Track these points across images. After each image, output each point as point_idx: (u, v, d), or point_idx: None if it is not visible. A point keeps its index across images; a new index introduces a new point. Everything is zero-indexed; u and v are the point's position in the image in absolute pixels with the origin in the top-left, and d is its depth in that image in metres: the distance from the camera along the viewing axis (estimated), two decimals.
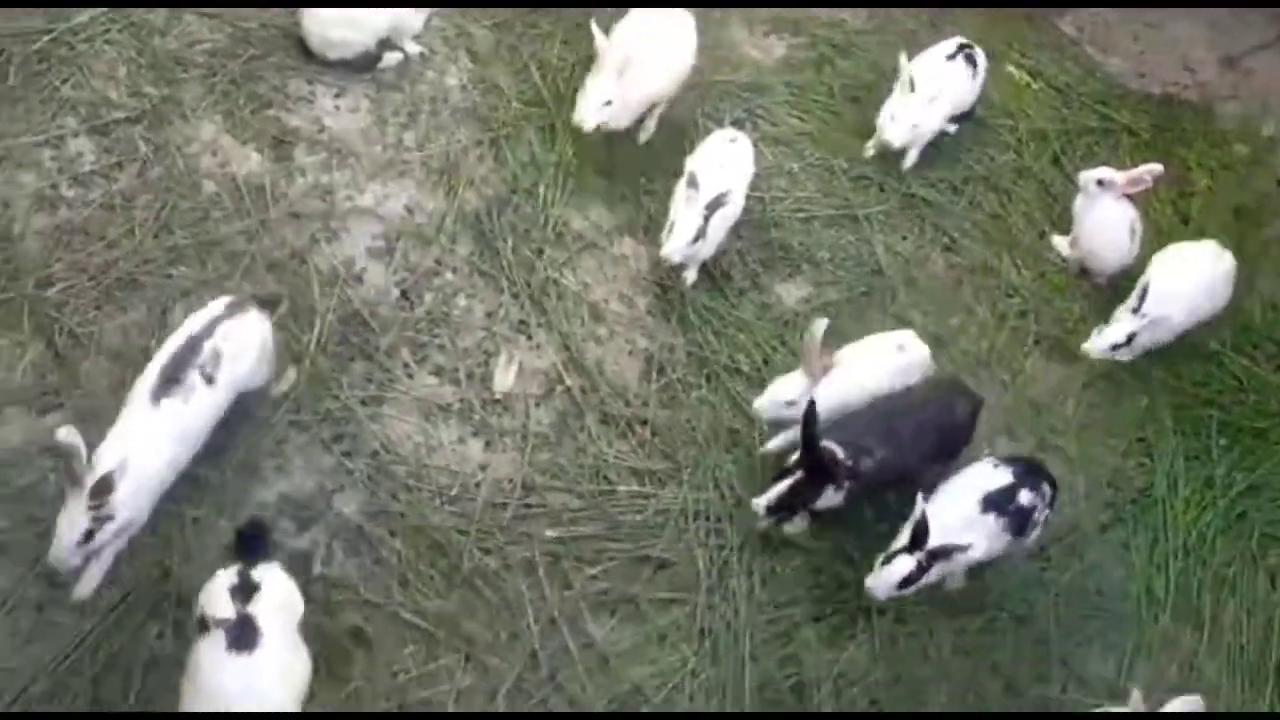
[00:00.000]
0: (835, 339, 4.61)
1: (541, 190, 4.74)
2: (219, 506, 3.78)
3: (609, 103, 4.60)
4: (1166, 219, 5.32)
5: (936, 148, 5.24)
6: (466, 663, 3.73)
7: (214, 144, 4.55)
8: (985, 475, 3.98)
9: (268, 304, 3.91)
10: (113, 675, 3.46)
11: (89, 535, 3.36)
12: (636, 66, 4.60)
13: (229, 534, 3.62)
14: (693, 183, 4.42)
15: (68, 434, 3.27)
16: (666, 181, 4.82)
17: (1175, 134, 5.66)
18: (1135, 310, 4.60)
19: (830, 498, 3.95)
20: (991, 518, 3.88)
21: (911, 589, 3.79)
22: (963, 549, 3.78)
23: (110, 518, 3.37)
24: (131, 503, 3.44)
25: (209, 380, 3.59)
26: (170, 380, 3.53)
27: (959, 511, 3.87)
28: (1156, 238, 5.08)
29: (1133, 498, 4.50)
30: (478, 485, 4.07)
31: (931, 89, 5.03)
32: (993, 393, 4.57)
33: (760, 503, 3.91)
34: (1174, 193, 5.41)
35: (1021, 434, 4.56)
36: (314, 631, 3.54)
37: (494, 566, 3.90)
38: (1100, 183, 4.78)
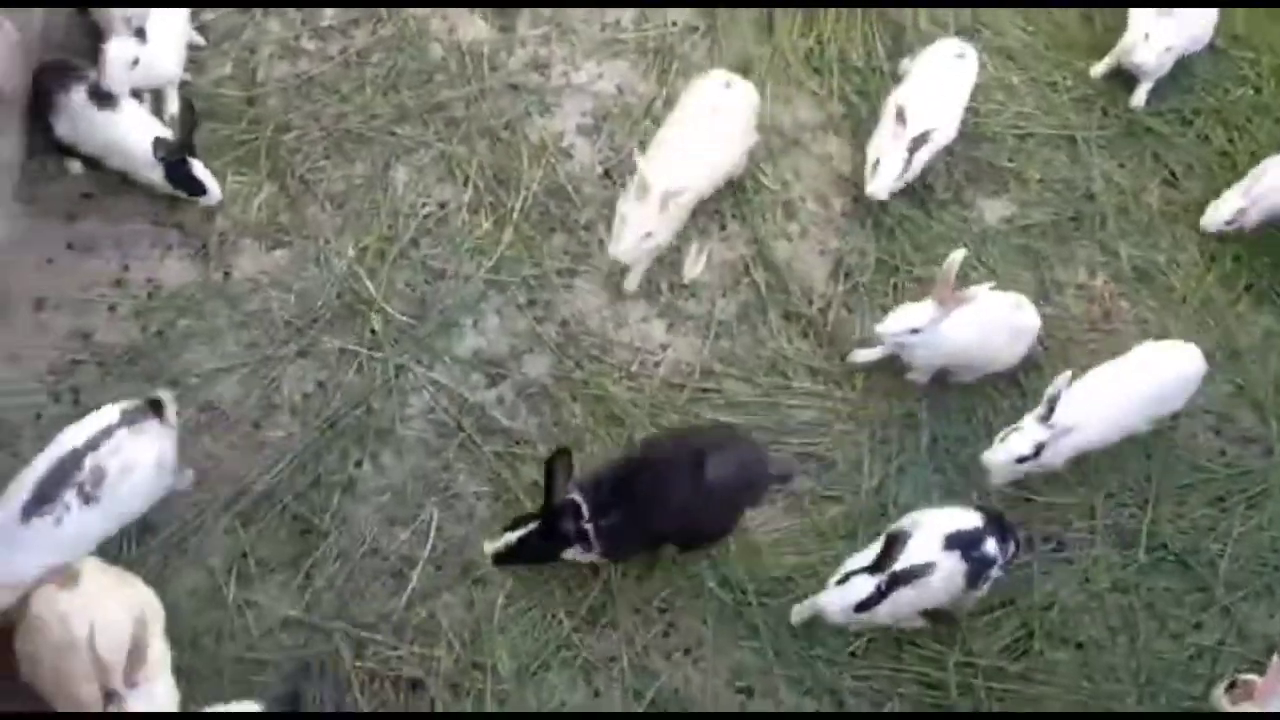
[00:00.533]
0: (1031, 260, 4.57)
1: (751, 81, 4.75)
2: (418, 354, 4.05)
3: (649, 235, 4.07)
4: None
5: (1169, 75, 4.99)
6: None
7: (444, 9, 4.72)
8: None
9: (158, 408, 3.41)
10: (315, 492, 3.81)
11: None
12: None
13: (428, 382, 3.92)
14: (900, 118, 4.31)
15: None
16: (880, 81, 4.77)
17: None
18: None
19: (580, 554, 3.58)
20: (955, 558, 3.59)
21: (866, 614, 3.51)
22: (926, 572, 3.48)
23: None
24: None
25: (87, 500, 3.24)
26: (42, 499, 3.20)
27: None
28: None
29: None
30: (657, 365, 4.22)
31: (1188, 15, 4.76)
32: (1192, 335, 4.41)
33: (489, 550, 3.56)
34: None
35: (1220, 379, 4.40)
36: (496, 479, 3.79)
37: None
38: None
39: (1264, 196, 4.49)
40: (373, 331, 4.05)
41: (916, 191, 4.63)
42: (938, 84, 4.49)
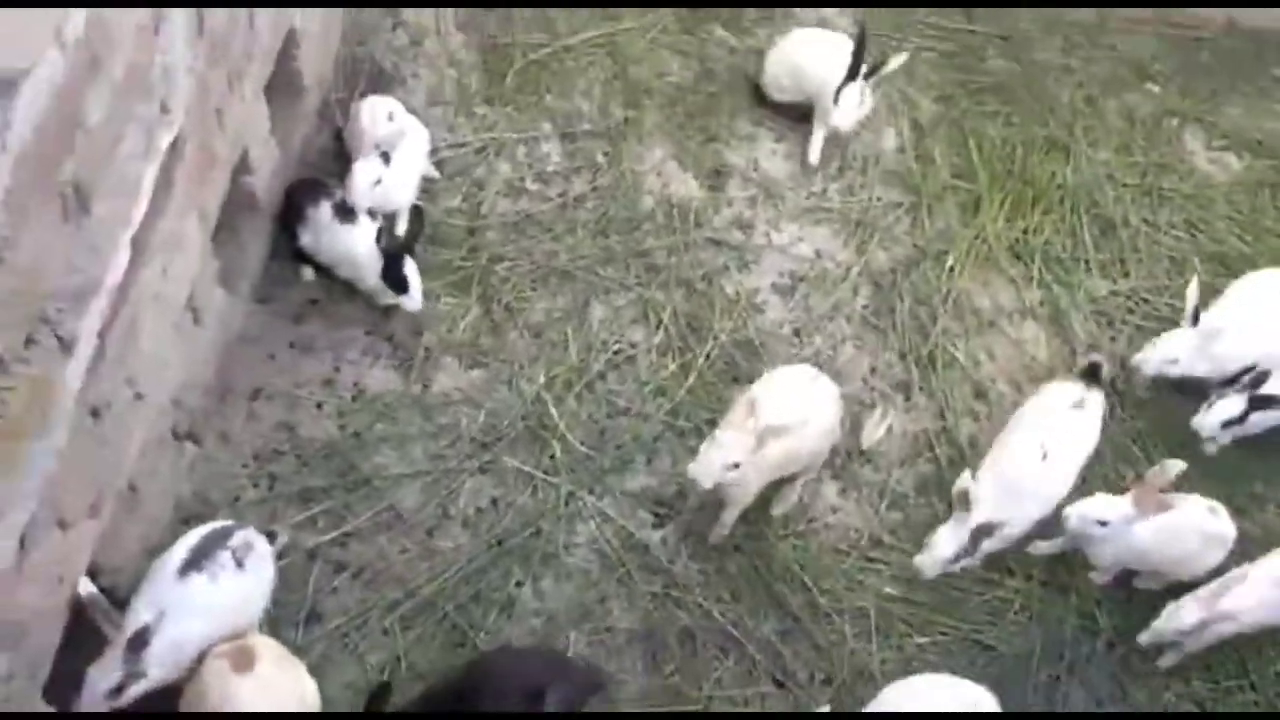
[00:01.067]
0: (1242, 473, 4.35)
1: (950, 260, 4.80)
2: (591, 484, 4.15)
3: (737, 465, 3.73)
4: None
5: None
6: (777, 688, 3.85)
7: (660, 166, 4.99)
8: None
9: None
10: (475, 606, 3.90)
11: (119, 690, 3.24)
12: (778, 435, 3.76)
13: (597, 513, 4.00)
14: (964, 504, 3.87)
15: (87, 588, 3.23)
16: (1081, 274, 4.75)
17: None
18: None
19: None
20: None
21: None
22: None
23: (143, 675, 3.26)
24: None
25: (240, 565, 3.45)
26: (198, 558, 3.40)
27: None
28: None
29: None
30: (827, 526, 4.18)
31: None
32: None
33: None
34: None
35: None
36: (648, 617, 3.80)
37: (825, 606, 3.99)
38: None
39: None
40: (551, 457, 4.18)
41: (1117, 388, 4.52)
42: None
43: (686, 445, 4.27)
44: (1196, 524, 3.93)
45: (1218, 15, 5.65)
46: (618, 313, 4.56)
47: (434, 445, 4.16)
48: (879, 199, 5.00)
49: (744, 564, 4.06)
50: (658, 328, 4.53)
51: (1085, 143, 5.20)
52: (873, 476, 4.32)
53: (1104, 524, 3.80)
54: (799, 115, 5.16)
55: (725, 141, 5.11)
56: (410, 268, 4.19)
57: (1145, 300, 4.78)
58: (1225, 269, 4.87)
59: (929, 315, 4.68)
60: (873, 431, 4.40)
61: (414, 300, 4.23)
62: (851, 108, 4.82)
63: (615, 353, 4.46)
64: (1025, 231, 4.93)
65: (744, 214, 4.91)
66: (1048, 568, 4.11)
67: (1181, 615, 3.76)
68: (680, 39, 5.39)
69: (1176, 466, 3.71)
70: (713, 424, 4.27)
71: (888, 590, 4.03)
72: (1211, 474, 4.32)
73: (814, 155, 5.01)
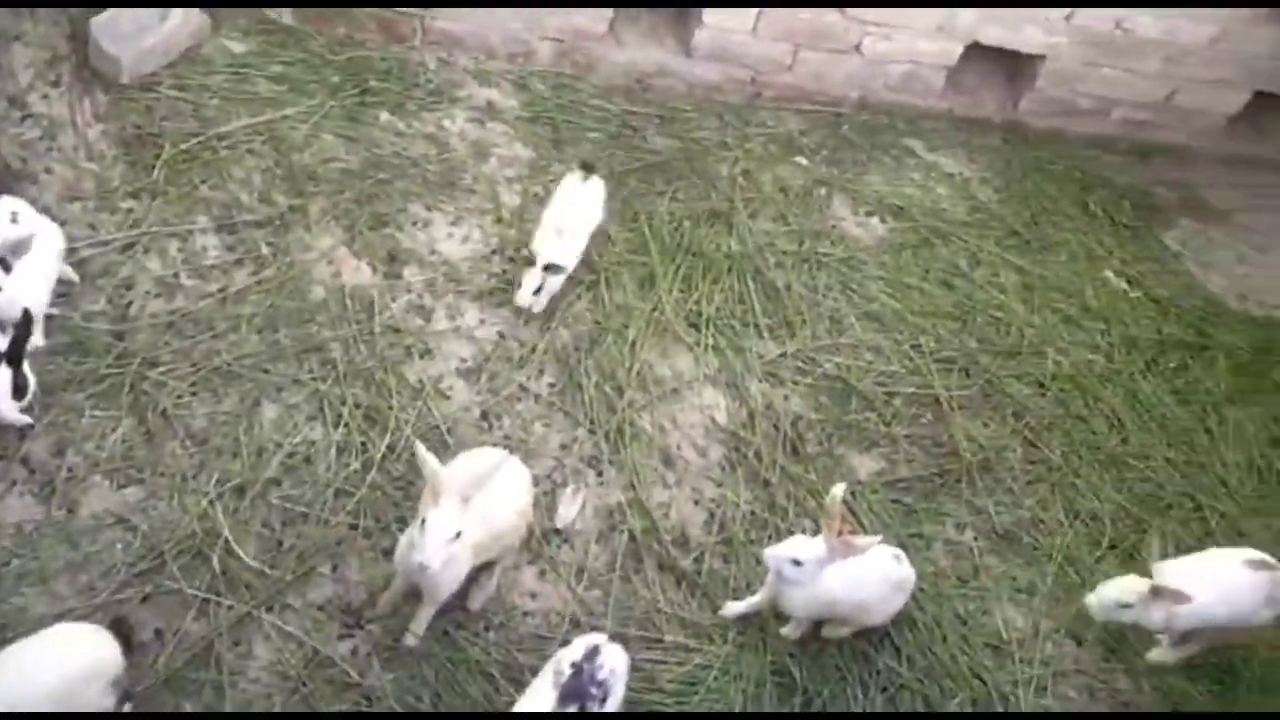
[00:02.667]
0: (904, 517, 4.62)
1: (631, 333, 4.87)
2: (268, 600, 3.85)
3: (459, 534, 3.55)
4: (1259, 439, 5.21)
5: (1025, 339, 5.29)
6: None
7: (330, 254, 4.80)
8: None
9: None
10: None
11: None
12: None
13: (276, 631, 3.70)
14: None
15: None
16: (752, 339, 4.95)
17: (1275, 358, 5.58)
18: None
19: None
20: None
21: None
22: None
23: None
24: None
25: None
26: None
27: None
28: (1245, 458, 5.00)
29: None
30: (526, 615, 4.08)
31: None
32: (1060, 593, 4.46)
33: None
34: (1267, 416, 5.31)
35: (1086, 641, 4.40)
36: None
37: None
38: None
39: None
40: (223, 575, 3.85)
41: (791, 443, 4.71)
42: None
43: (376, 546, 4.06)
44: (883, 571, 4.11)
45: (852, 93, 6.13)
46: (291, 411, 4.30)
47: (83, 578, 3.73)
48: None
49: (441, 666, 3.87)
50: (336, 424, 4.31)
51: (746, 214, 5.46)
52: (570, 556, 4.26)
53: (799, 563, 3.87)
54: (476, 198, 5.14)
55: (399, 226, 4.99)
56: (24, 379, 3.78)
57: (811, 359, 5.02)
58: (881, 325, 5.21)
59: (615, 389, 4.71)
60: (567, 510, 4.36)
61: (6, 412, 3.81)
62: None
63: (291, 455, 4.20)
64: (698, 301, 5.08)
65: (423, 299, 4.80)
66: (741, 630, 4.17)
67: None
68: (345, 125, 5.26)
69: (840, 488, 3.84)
70: (402, 520, 4.11)
71: None
72: (882, 515, 4.57)
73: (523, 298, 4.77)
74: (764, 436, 4.71)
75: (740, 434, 4.71)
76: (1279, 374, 5.50)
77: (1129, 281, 5.72)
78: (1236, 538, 4.83)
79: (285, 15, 5.54)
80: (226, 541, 3.92)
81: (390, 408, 4.39)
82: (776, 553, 3.91)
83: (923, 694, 4.17)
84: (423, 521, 3.47)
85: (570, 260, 4.78)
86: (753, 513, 4.50)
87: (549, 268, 4.68)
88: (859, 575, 3.99)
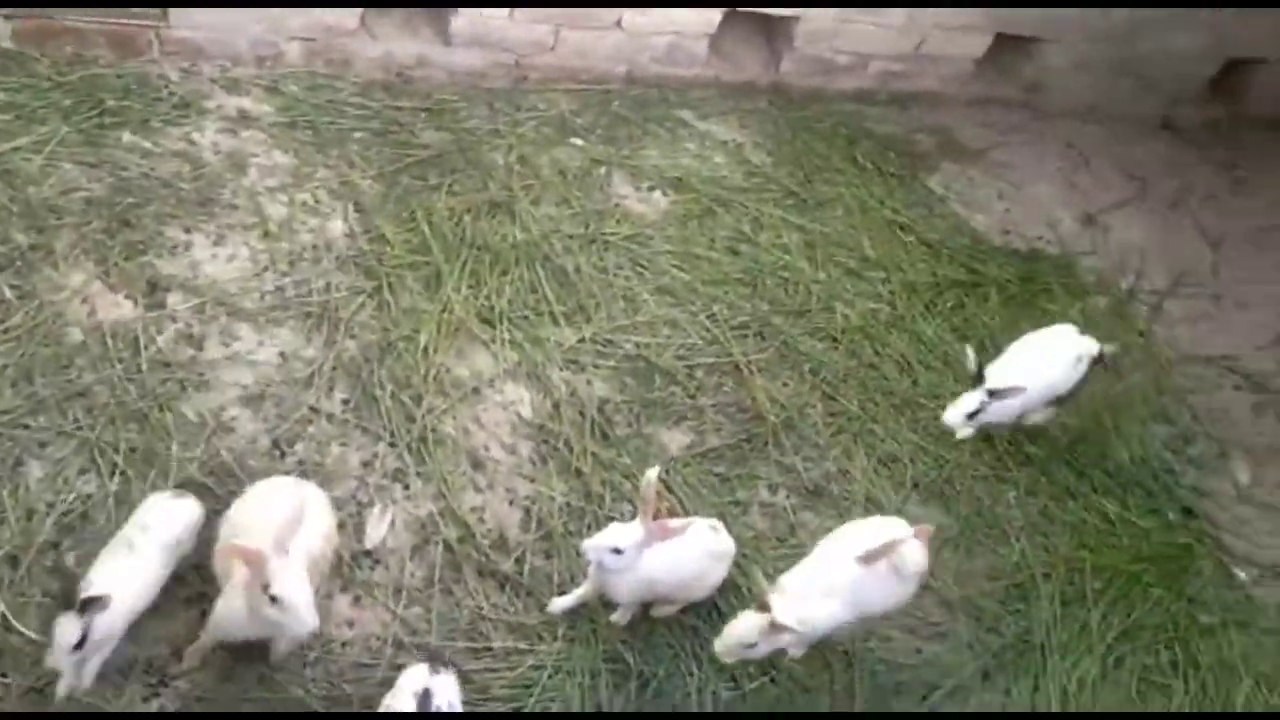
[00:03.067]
0: (718, 486, 4.66)
1: (422, 338, 4.72)
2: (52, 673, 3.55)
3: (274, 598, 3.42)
4: None
5: (813, 296, 5.41)
6: None
7: (83, 292, 4.46)
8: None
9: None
10: None
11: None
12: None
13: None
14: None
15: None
16: (551, 328, 4.88)
17: (1040, 286, 5.90)
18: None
19: None
20: None
21: None
22: None
23: None
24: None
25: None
26: None
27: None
28: None
29: (1012, 644, 4.50)
30: (344, 645, 3.90)
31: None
32: None
33: None
34: None
35: None
36: None
37: None
38: None
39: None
40: (2, 653, 3.52)
41: (600, 428, 4.67)
42: None
43: (174, 598, 3.79)
44: (702, 545, 4.12)
45: (618, 68, 6.11)
46: (60, 466, 3.97)
47: None
48: (338, 288, 4.81)
49: (265, 710, 3.66)
50: (112, 474, 4.00)
51: (527, 201, 5.37)
52: (385, 576, 4.10)
53: (619, 551, 3.83)
54: (238, 214, 4.87)
55: (157, 253, 4.68)
56: None
57: (610, 341, 4.99)
58: (674, 298, 5.23)
59: (413, 397, 4.56)
60: (375, 529, 4.19)
61: None
62: None
63: (66, 513, 3.87)
64: (489, 296, 4.97)
65: (192, 328, 4.51)
66: (571, 624, 4.12)
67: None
68: (84, 150, 4.90)
69: (653, 472, 3.81)
70: (200, 569, 3.85)
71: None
72: (694, 490, 4.60)
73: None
74: (571, 425, 4.65)
75: (548, 426, 4.64)
76: (1044, 301, 5.81)
77: (902, 229, 5.93)
78: (1025, 459, 5.10)
79: (3, 39, 5.09)
80: (4, 617, 3.59)
81: (169, 449, 4.11)
82: (595, 543, 3.86)
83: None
84: (266, 593, 3.32)
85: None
86: (569, 504, 4.44)
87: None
88: (679, 554, 3.98)
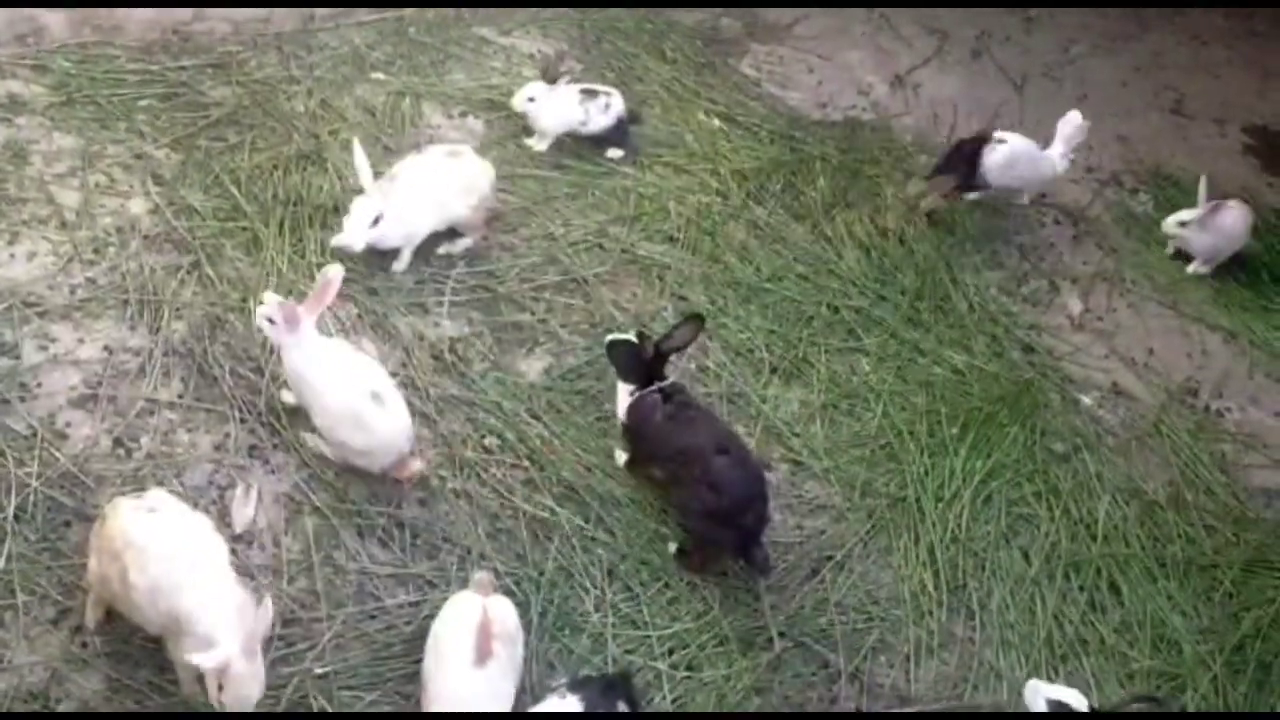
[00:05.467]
0: (585, 405, 4.65)
1: (252, 306, 4.51)
2: None
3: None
4: (865, 231, 5.62)
5: (645, 199, 5.38)
6: None
7: None
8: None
9: None
10: None
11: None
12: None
13: None
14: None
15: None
16: (385, 280, 4.74)
17: (862, 154, 6.00)
18: None
19: None
20: None
21: None
22: None
23: None
24: None
25: None
26: None
27: None
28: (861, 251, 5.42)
29: (887, 503, 4.67)
30: None
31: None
32: (741, 424, 4.68)
33: None
34: (870, 208, 5.74)
35: (775, 462, 4.66)
36: None
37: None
38: None
39: None
40: None
41: (455, 367, 4.59)
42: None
43: (40, 619, 3.60)
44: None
45: None
46: None
47: None
48: (153, 269, 4.55)
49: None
50: None
51: (337, 147, 5.15)
52: (261, 557, 3.97)
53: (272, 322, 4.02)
54: (29, 207, 4.53)
55: None
56: None
57: (447, 277, 4.86)
58: (505, 223, 5.12)
59: (253, 369, 4.37)
60: (241, 511, 4.04)
61: None
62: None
63: None
64: (314, 252, 4.76)
65: (4, 335, 4.21)
66: (460, 566, 4.08)
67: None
68: None
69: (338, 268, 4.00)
70: (63, 586, 3.65)
71: (317, 670, 3.73)
72: (556, 411, 4.57)
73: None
74: (425, 370, 4.55)
75: (401, 374, 4.51)
76: (869, 169, 5.93)
77: (722, 119, 5.93)
78: (872, 325, 5.24)
79: None
80: None
81: (2, 466, 3.86)
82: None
83: None
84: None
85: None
86: (435, 446, 4.36)
87: None
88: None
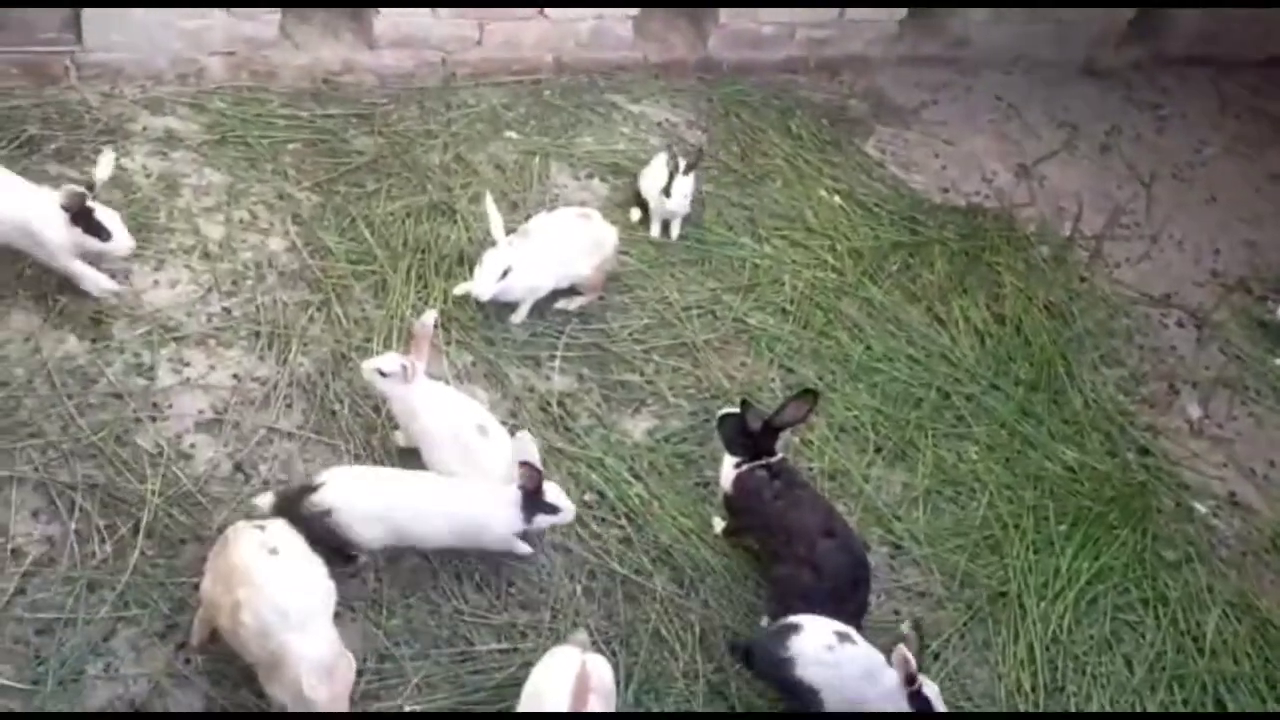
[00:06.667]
0: (685, 469, 4.66)
1: (375, 347, 4.67)
2: None
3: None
4: (981, 318, 5.57)
5: (760, 270, 5.43)
6: None
7: (25, 331, 4.36)
8: None
9: None
10: None
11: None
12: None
13: None
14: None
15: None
16: (499, 327, 4.86)
17: (982, 241, 5.97)
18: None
19: None
20: None
21: None
22: None
23: None
24: None
25: None
26: None
27: None
28: (976, 338, 5.39)
29: (988, 596, 4.57)
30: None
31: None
32: (842, 503, 4.65)
33: None
34: (987, 295, 5.69)
35: (874, 543, 4.61)
36: None
37: None
38: None
39: None
40: None
41: (561, 421, 4.66)
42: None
43: (149, 632, 3.75)
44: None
45: (546, 57, 6.07)
46: (15, 511, 3.89)
47: None
48: (286, 304, 4.75)
49: None
50: (71, 512, 3.93)
51: (466, 200, 5.33)
52: (360, 590, 4.05)
53: (384, 374, 4.13)
54: (176, 237, 4.78)
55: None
56: None
57: (562, 333, 4.96)
58: (624, 284, 5.21)
59: (372, 407, 4.51)
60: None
61: None
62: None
63: (27, 559, 3.80)
64: (437, 299, 4.92)
65: (141, 356, 4.43)
66: (553, 620, 4.11)
67: None
68: None
69: (431, 315, 4.16)
70: (173, 602, 3.79)
71: (407, 708, 3.79)
72: (658, 472, 4.60)
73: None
74: (533, 421, 4.63)
75: (509, 424, 4.57)
76: (989, 256, 5.88)
77: (843, 196, 5.97)
78: (982, 414, 5.17)
79: None
80: None
81: (129, 482, 4.04)
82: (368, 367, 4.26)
83: None
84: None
85: None
86: None
87: None
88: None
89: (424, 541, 4.03)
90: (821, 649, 3.77)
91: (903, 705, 3.76)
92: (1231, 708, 4.44)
